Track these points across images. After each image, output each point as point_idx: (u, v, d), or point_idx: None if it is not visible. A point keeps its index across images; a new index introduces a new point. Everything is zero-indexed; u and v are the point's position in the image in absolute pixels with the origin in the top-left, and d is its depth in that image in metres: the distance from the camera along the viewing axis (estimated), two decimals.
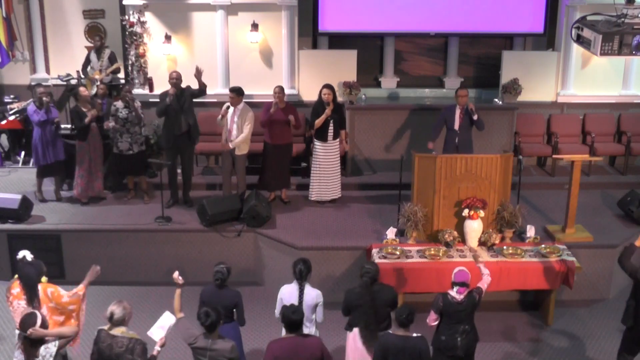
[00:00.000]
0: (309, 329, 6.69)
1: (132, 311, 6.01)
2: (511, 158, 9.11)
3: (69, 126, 10.40)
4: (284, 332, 6.12)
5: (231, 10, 11.03)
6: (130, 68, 11.25)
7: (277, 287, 6.95)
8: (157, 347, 5.98)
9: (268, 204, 9.84)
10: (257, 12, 11.00)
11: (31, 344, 5.77)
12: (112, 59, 11.56)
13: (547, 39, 11.56)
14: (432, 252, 8.54)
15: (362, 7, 11.24)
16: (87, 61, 11.65)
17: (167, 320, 6.15)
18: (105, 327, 5.91)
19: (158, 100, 9.89)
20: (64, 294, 6.76)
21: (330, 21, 11.30)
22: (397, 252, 8.53)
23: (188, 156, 10.06)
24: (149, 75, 11.20)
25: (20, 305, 6.67)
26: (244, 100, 9.77)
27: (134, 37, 11.03)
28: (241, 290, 9.20)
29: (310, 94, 10.80)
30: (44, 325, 5.81)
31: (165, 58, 11.18)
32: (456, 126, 9.84)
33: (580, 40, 7.84)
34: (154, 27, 11.08)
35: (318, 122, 9.83)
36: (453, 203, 8.82)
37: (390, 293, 6.86)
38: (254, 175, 10.38)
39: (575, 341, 8.35)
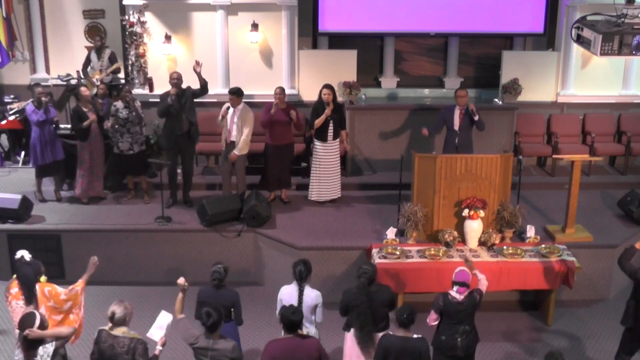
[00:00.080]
0: (308, 329, 6.69)
1: (133, 311, 6.02)
2: (511, 158, 9.11)
3: (68, 126, 10.39)
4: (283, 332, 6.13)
5: (231, 10, 11.04)
6: (130, 68, 11.25)
7: (277, 287, 6.95)
8: (159, 347, 5.99)
9: (268, 204, 9.84)
10: (257, 12, 11.01)
11: (29, 345, 5.78)
12: (112, 59, 11.57)
13: (547, 39, 11.56)
14: (432, 252, 8.54)
15: (362, 7, 11.24)
16: (88, 61, 11.65)
17: (164, 319, 6.15)
18: (106, 327, 5.91)
19: (159, 100, 9.89)
20: (62, 291, 6.78)
21: (330, 21, 11.30)
22: (397, 252, 8.53)
23: (189, 156, 10.06)
24: (149, 75, 11.20)
25: (18, 305, 6.68)
26: (243, 100, 9.78)
27: (134, 37, 11.03)
28: (241, 290, 9.21)
29: (310, 94, 10.80)
30: (43, 325, 5.82)
31: (165, 58, 11.18)
32: (456, 126, 9.83)
33: (580, 40, 7.84)
34: (154, 27, 11.08)
35: (318, 122, 9.83)
36: (453, 203, 8.82)
37: (387, 293, 6.85)
38: (254, 175, 10.38)
39: (575, 341, 8.35)
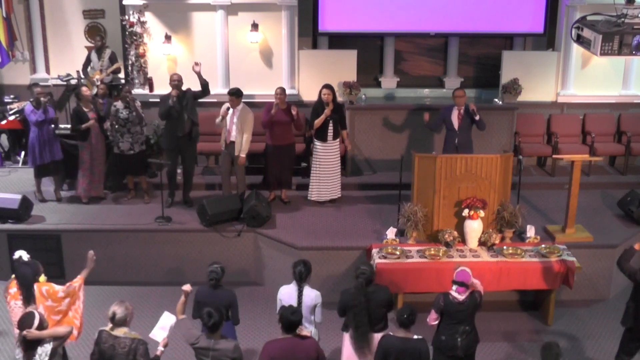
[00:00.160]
0: (308, 329, 6.68)
1: (133, 311, 6.02)
2: (511, 158, 9.11)
3: (68, 126, 10.39)
4: None
5: (231, 10, 11.04)
6: (130, 68, 11.25)
7: (277, 287, 6.95)
8: (161, 347, 5.99)
9: (268, 204, 9.84)
10: (257, 12, 11.01)
11: (28, 345, 5.79)
12: (112, 59, 11.57)
13: (547, 39, 11.56)
14: (432, 252, 8.54)
15: (362, 7, 11.24)
16: (88, 61, 11.66)
17: (167, 320, 6.16)
18: (107, 328, 5.91)
19: (159, 101, 9.89)
20: (59, 289, 6.80)
21: (330, 21, 11.30)
22: (397, 252, 8.53)
23: (190, 157, 10.05)
24: (149, 76, 11.19)
25: (17, 305, 6.70)
26: (243, 100, 9.78)
27: (134, 37, 11.03)
28: (241, 290, 9.24)
29: (310, 94, 10.80)
30: (42, 325, 5.82)
31: (165, 58, 11.18)
32: (455, 127, 9.83)
33: (580, 40, 7.83)
34: (154, 27, 11.08)
35: (317, 122, 9.83)
36: (453, 203, 8.82)
37: (385, 294, 6.84)
38: (254, 175, 10.38)
39: (575, 341, 8.35)
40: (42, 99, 9.82)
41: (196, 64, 9.73)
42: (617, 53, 7.27)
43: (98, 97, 10.53)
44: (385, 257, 8.48)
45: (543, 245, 8.72)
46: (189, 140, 9.91)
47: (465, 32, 11.51)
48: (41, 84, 11.41)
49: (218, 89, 11.01)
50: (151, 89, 11.21)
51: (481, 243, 8.74)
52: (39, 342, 5.79)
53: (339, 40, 11.60)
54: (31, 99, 9.96)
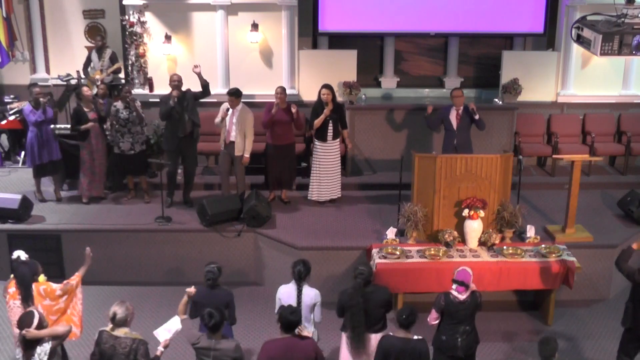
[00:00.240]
0: (307, 328, 6.68)
1: (134, 312, 6.02)
2: (511, 158, 9.11)
3: (69, 126, 10.39)
4: None
5: (231, 10, 11.04)
6: (130, 68, 11.25)
7: (277, 287, 6.94)
8: (161, 348, 5.99)
9: (268, 204, 9.84)
10: (257, 12, 11.01)
11: (27, 344, 5.79)
12: (113, 59, 11.58)
13: (547, 39, 11.56)
14: (432, 252, 8.54)
15: (362, 7, 11.24)
16: (88, 61, 11.66)
17: (174, 324, 6.16)
18: (107, 328, 5.91)
19: (159, 102, 9.89)
20: (57, 287, 6.82)
21: (330, 21, 11.30)
22: (397, 252, 8.53)
23: (191, 157, 10.05)
24: (149, 76, 11.19)
25: (15, 305, 6.72)
26: (243, 100, 9.78)
27: (134, 37, 11.03)
28: (241, 290, 9.25)
29: (310, 94, 10.79)
30: (42, 324, 5.83)
31: (165, 58, 11.18)
32: (454, 127, 9.84)
33: (580, 40, 7.83)
34: (154, 27, 11.08)
35: (317, 122, 9.83)
36: (453, 203, 8.82)
37: (384, 294, 6.84)
38: (254, 175, 10.38)
39: (575, 341, 8.36)
40: (41, 99, 9.82)
41: (196, 66, 9.73)
42: (617, 53, 7.26)
43: (98, 97, 10.53)
44: (385, 257, 8.48)
45: (543, 245, 8.72)
46: (190, 140, 9.91)
47: (465, 32, 11.51)
48: (41, 84, 11.40)
49: (218, 89, 11.01)
50: (151, 89, 11.21)
51: (481, 243, 8.74)
52: (38, 341, 5.79)
53: (339, 40, 11.60)
54: (30, 99, 9.96)
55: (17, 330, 6.04)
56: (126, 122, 9.90)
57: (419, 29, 11.40)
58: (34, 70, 12.44)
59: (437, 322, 6.79)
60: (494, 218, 8.88)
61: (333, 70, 11.04)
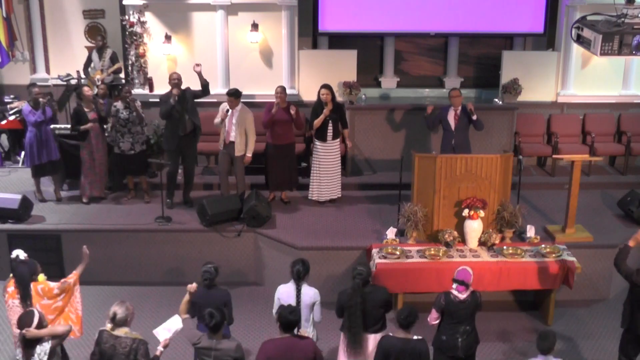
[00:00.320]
0: (306, 328, 6.68)
1: (134, 311, 6.02)
2: (511, 158, 9.11)
3: (69, 126, 10.40)
4: None
5: (231, 10, 11.04)
6: (130, 68, 11.26)
7: (277, 287, 6.95)
8: (160, 348, 5.99)
9: (268, 204, 9.84)
10: (257, 12, 11.01)
11: (27, 344, 5.80)
12: (113, 59, 11.59)
13: (547, 39, 11.56)
14: (432, 252, 8.54)
15: (362, 7, 11.24)
16: (89, 61, 11.67)
17: (175, 323, 6.15)
18: (107, 328, 5.92)
19: (159, 101, 9.88)
20: (54, 286, 6.83)
21: (330, 21, 11.30)
22: (397, 252, 8.53)
23: (191, 156, 10.05)
24: (149, 75, 11.20)
25: (14, 304, 6.73)
26: (242, 101, 9.78)
27: (134, 37, 11.03)
28: (241, 290, 9.25)
29: (310, 94, 10.79)
30: (42, 324, 5.84)
31: (165, 58, 11.18)
32: (452, 127, 9.84)
33: (580, 40, 7.83)
34: (154, 27, 11.08)
35: (317, 122, 9.83)
36: (453, 203, 8.82)
37: (382, 294, 6.83)
38: (254, 175, 10.38)
39: (575, 341, 8.36)
40: (40, 99, 9.82)
41: (197, 65, 9.74)
42: (617, 53, 7.27)
43: (98, 97, 10.53)
44: (385, 257, 8.48)
45: (543, 245, 8.72)
46: (190, 139, 9.91)
47: (465, 32, 11.51)
48: (41, 84, 11.40)
49: (218, 89, 11.01)
50: (151, 89, 11.21)
51: (481, 243, 8.73)
52: (38, 341, 5.80)
53: (339, 40, 11.60)
54: (29, 99, 9.95)
55: (16, 330, 6.04)
56: (126, 122, 9.90)
57: (419, 29, 11.40)
58: (34, 70, 12.44)
59: (437, 322, 6.79)
60: (494, 218, 8.88)
61: (333, 70, 11.04)
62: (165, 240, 9.47)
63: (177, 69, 10.93)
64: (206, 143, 10.72)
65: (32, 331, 5.76)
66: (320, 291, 6.81)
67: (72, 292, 6.97)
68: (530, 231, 8.93)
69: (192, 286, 6.51)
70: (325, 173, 10.08)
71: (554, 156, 10.61)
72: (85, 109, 9.85)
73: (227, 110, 9.68)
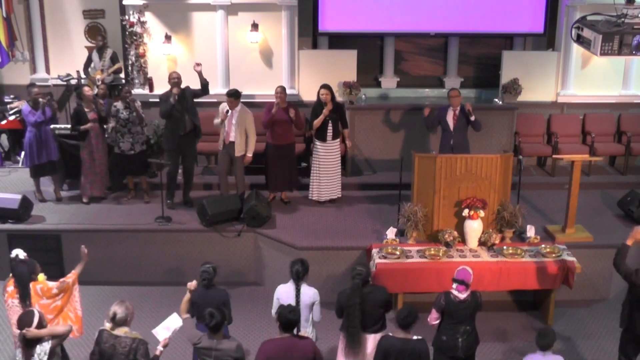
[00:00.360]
0: (306, 328, 6.68)
1: (134, 311, 6.02)
2: (511, 158, 9.11)
3: (69, 126, 10.40)
4: None
5: (231, 10, 11.04)
6: (130, 68, 11.26)
7: (277, 287, 6.95)
8: (160, 347, 6.00)
9: (268, 204, 9.84)
10: (257, 12, 11.01)
11: (27, 343, 5.80)
12: (114, 59, 11.59)
13: (547, 39, 11.56)
14: (432, 252, 8.54)
15: (362, 7, 11.24)
16: (89, 61, 11.67)
17: (174, 322, 6.16)
18: (107, 328, 5.92)
19: (159, 101, 9.89)
20: (53, 285, 6.83)
21: (330, 21, 11.30)
22: (397, 252, 8.53)
23: (191, 156, 10.05)
24: (149, 75, 11.20)
25: (14, 304, 6.73)
26: (242, 101, 9.78)
27: (134, 37, 11.03)
28: (241, 290, 9.25)
29: (310, 94, 10.79)
30: (42, 324, 5.84)
31: (165, 58, 11.18)
32: (451, 127, 9.83)
33: (580, 40, 7.84)
34: (154, 27, 11.08)
35: (316, 122, 9.84)
36: (453, 203, 8.82)
37: (382, 294, 6.83)
38: (254, 175, 10.38)
39: (575, 341, 8.36)
40: (40, 99, 9.82)
41: (197, 64, 9.74)
42: (617, 53, 7.27)
43: (98, 97, 10.53)
44: (385, 257, 8.48)
45: (543, 245, 8.72)
46: (190, 139, 9.91)
47: (465, 32, 11.51)
48: (41, 84, 11.41)
49: (218, 89, 11.01)
50: (151, 89, 11.21)
51: (481, 243, 8.73)
52: (38, 340, 5.80)
53: (339, 40, 11.60)
54: (28, 100, 9.95)
55: (16, 330, 6.04)
56: (126, 122, 9.90)
57: (419, 29, 11.40)
58: (34, 70, 12.44)
59: (437, 322, 6.78)
60: (494, 218, 8.88)
61: (333, 70, 11.04)
62: (165, 240, 9.47)
63: (177, 68, 10.92)
64: (206, 143, 10.72)
65: (32, 331, 5.76)
66: (320, 291, 6.81)
67: (71, 291, 6.97)
68: (530, 231, 8.93)
69: (192, 284, 6.53)
70: (325, 173, 10.08)
71: (554, 156, 10.61)
72: (86, 109, 9.86)
73: (227, 111, 9.68)
